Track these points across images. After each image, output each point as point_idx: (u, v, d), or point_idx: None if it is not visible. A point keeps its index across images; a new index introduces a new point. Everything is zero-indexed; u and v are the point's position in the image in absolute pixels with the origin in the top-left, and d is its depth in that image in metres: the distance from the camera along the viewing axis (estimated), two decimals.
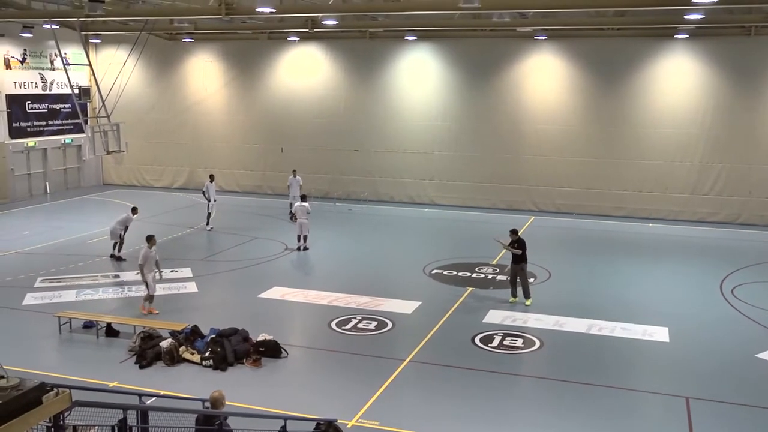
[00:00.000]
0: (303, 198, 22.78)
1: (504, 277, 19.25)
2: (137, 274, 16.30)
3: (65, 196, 31.80)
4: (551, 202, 28.59)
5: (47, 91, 32.13)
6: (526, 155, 28.68)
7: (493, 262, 20.67)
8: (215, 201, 25.09)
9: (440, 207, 29.38)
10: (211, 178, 25.67)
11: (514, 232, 16.88)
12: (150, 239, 16.12)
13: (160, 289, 17.85)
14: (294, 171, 27.45)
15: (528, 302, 16.67)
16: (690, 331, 15.23)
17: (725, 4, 21.45)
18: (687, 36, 26.02)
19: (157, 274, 16.12)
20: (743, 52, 25.82)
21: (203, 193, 25.24)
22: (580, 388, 12.36)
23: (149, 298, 15.99)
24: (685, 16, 22.42)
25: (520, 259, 16.61)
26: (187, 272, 19.42)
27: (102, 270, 19.63)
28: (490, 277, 19.32)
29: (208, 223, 24.85)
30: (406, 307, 16.64)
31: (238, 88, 32.59)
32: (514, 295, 16.90)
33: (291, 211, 25.65)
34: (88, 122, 26.68)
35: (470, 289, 18.16)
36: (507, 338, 14.64)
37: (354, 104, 30.76)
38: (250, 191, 32.57)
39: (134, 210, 21.47)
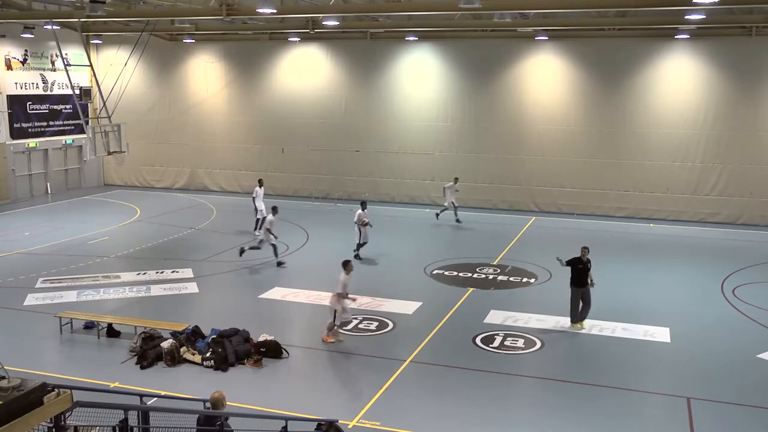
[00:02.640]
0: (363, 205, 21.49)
1: (504, 278, 19.26)
2: (333, 299, 14.42)
3: (66, 197, 31.82)
4: (552, 202, 28.59)
5: (48, 92, 32.15)
6: (527, 156, 28.68)
7: (494, 263, 20.67)
8: (263, 209, 23.67)
9: (441, 207, 29.33)
10: (260, 183, 24.40)
11: (587, 249, 15.25)
12: (346, 265, 14.56)
13: (160, 290, 17.90)
14: (456, 179, 26.52)
15: (582, 326, 15.25)
16: (691, 332, 15.23)
17: (726, 4, 21.46)
18: (688, 36, 26.02)
19: (351, 301, 14.55)
20: (744, 52, 25.81)
21: (253, 199, 24.17)
22: (581, 389, 12.36)
23: (344, 324, 14.69)
24: (686, 17, 22.42)
25: (585, 281, 15.06)
26: (188, 273, 19.42)
27: (103, 270, 19.63)
28: (491, 277, 19.32)
29: (258, 229, 23.54)
30: (407, 307, 16.64)
31: (239, 89, 32.61)
32: (575, 319, 15.21)
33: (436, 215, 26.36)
34: (89, 123, 26.71)
35: (471, 289, 18.16)
36: (508, 339, 14.64)
37: (355, 105, 30.77)
38: (252, 192, 32.45)
39: (274, 210, 20.42)
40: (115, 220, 26.45)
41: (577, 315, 15.19)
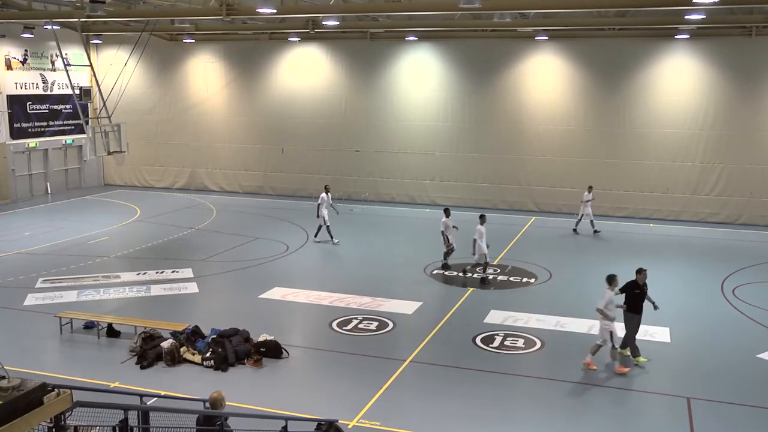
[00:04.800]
0: (446, 212, 20.43)
1: (504, 278, 19.25)
2: (602, 320, 12.97)
3: (66, 197, 31.82)
4: (552, 202, 28.58)
5: (48, 92, 32.16)
6: (527, 155, 28.68)
7: (494, 263, 20.66)
8: (338, 211, 23.05)
9: (441, 207, 29.24)
10: (326, 189, 22.99)
11: (645, 271, 13.82)
12: (612, 280, 13.16)
13: (160, 290, 17.89)
14: (590, 187, 24.65)
15: (638, 359, 13.51)
16: (691, 332, 15.22)
17: (726, 4, 21.45)
18: (688, 36, 26.02)
19: (611, 323, 12.87)
20: (744, 52, 25.81)
21: (318, 206, 22.72)
22: (581, 389, 12.36)
23: (597, 347, 13.08)
24: (686, 17, 22.41)
25: (641, 307, 13.55)
26: (188, 273, 19.41)
27: (103, 270, 19.63)
28: (491, 277, 19.31)
29: (331, 237, 22.74)
30: (407, 307, 16.64)
31: (239, 89, 32.61)
32: (636, 352, 13.49)
33: (575, 229, 24.69)
34: (89, 123, 26.70)
35: (471, 289, 18.16)
36: (508, 339, 14.63)
37: (355, 105, 30.77)
38: (252, 192, 32.60)
39: (482, 219, 18.92)
40: (115, 220, 26.45)
41: (635, 345, 13.50)
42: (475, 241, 18.70)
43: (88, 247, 22.29)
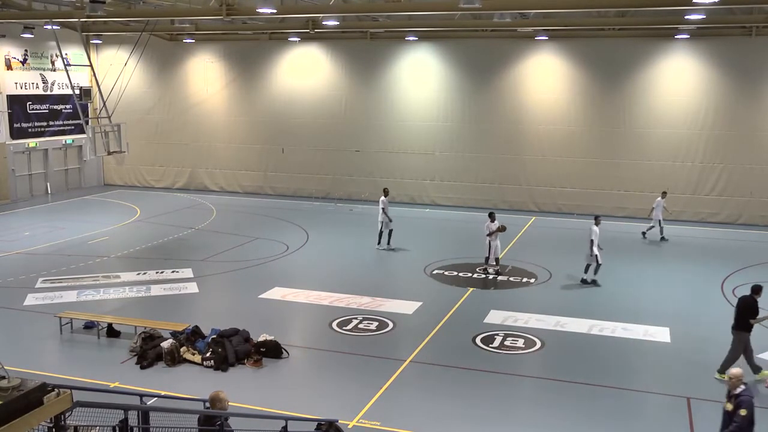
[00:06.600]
0: (491, 216, 19.84)
1: (504, 278, 19.25)
2: None
3: (66, 197, 31.82)
4: (552, 202, 28.58)
5: (48, 92, 32.16)
6: (527, 155, 28.68)
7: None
8: (390, 220, 22.03)
9: (441, 207, 29.39)
10: (386, 192, 22.37)
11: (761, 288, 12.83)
12: (760, 290, 12.47)
13: (160, 290, 17.88)
14: (664, 192, 24.25)
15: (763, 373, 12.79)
16: (691, 332, 15.22)
17: (726, 4, 21.45)
18: (688, 36, 26.03)
19: None
20: (744, 52, 25.81)
21: (382, 210, 21.92)
22: (581, 389, 12.36)
23: None
24: (686, 17, 22.42)
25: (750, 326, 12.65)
26: (188, 273, 19.42)
27: (103, 270, 19.63)
28: (491, 277, 19.30)
29: (389, 243, 22.15)
30: (407, 307, 16.64)
31: (239, 89, 32.61)
32: (757, 369, 12.72)
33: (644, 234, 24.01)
34: (89, 123, 26.68)
35: (471, 289, 18.16)
36: (508, 339, 14.64)
37: (355, 105, 30.77)
38: (252, 192, 32.59)
39: (597, 220, 18.64)
40: (115, 220, 26.45)
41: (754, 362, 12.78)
42: (592, 242, 18.20)
43: (88, 247, 22.29)
